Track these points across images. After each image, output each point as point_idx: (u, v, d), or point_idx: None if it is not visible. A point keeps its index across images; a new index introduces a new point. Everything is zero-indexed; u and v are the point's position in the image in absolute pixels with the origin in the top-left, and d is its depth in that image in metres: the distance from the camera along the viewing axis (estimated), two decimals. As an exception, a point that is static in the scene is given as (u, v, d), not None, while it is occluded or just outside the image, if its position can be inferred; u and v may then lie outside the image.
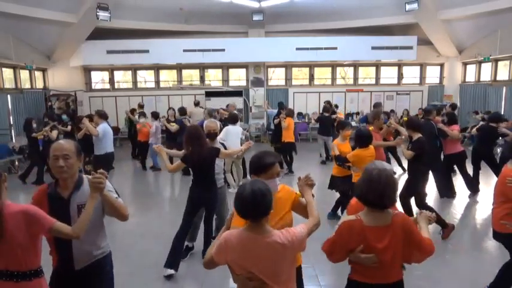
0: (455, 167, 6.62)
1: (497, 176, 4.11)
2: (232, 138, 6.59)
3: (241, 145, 7.04)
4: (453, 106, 9.18)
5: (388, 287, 2.13)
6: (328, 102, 10.24)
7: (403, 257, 2.13)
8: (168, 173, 7.64)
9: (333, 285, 3.74)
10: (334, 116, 9.43)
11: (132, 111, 10.58)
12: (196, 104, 11.19)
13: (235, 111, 8.24)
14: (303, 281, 2.36)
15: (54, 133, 7.63)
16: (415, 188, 4.71)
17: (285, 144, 8.37)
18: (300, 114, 13.38)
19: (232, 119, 6.99)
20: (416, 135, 4.72)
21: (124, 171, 9.39)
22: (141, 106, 11.01)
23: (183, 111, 9.15)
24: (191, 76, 14.67)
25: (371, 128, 5.38)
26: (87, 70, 13.67)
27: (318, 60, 13.08)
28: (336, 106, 10.98)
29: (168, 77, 14.48)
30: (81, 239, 2.01)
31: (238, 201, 1.79)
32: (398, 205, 2.95)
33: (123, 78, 14.48)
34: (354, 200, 2.48)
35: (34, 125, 7.85)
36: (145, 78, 14.39)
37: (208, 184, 4.00)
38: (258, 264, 1.81)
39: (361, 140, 4.50)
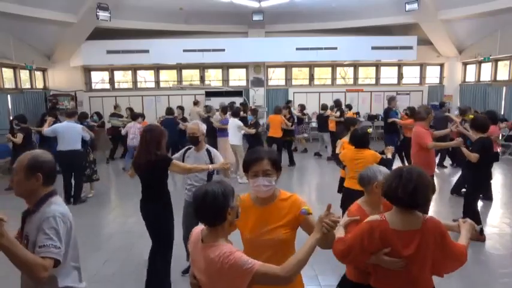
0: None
1: None
2: (230, 129, 7.88)
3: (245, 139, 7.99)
4: (441, 104, 9.22)
5: None
6: (337, 101, 10.34)
7: (433, 267, 1.93)
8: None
9: (334, 285, 3.73)
10: (326, 113, 10.00)
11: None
12: (195, 103, 11.30)
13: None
14: None
15: (19, 137, 7.22)
16: (477, 191, 4.64)
17: (267, 138, 9.25)
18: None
19: (232, 113, 8.16)
20: (478, 135, 4.60)
21: (120, 172, 9.33)
22: (115, 107, 11.14)
23: (170, 111, 9.21)
24: (191, 76, 14.67)
25: (421, 124, 5.05)
26: (87, 70, 13.66)
27: (318, 60, 13.07)
28: (348, 106, 10.95)
29: (168, 77, 14.48)
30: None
31: (192, 201, 1.69)
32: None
33: (123, 78, 14.48)
34: (354, 207, 2.34)
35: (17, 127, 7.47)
36: (145, 78, 14.39)
37: (152, 197, 3.42)
38: (196, 269, 1.76)
39: (355, 140, 4.21)
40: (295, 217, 1.88)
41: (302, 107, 11.29)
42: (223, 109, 8.74)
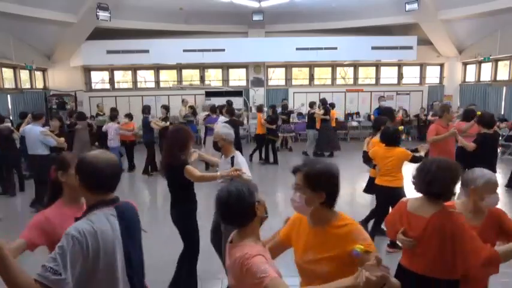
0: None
1: None
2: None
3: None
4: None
5: (428, 281, 2.02)
6: (323, 99, 10.54)
7: (443, 258, 1.97)
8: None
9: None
10: (312, 111, 10.35)
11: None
12: (182, 101, 11.77)
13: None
14: None
15: None
16: None
17: (255, 136, 9.91)
18: (300, 114, 13.37)
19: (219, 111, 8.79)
20: (483, 131, 4.75)
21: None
22: (97, 106, 11.32)
23: (144, 110, 8.95)
24: (191, 76, 14.67)
25: (438, 121, 5.08)
26: (87, 70, 13.66)
27: (318, 60, 13.07)
28: (332, 105, 11.01)
29: (168, 77, 14.48)
30: None
31: (216, 204, 1.63)
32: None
33: (123, 78, 14.48)
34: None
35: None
36: (145, 78, 14.39)
37: (175, 200, 3.37)
38: (228, 272, 1.72)
39: (384, 138, 4.26)
40: (346, 253, 1.56)
41: (283, 107, 11.34)
42: (212, 109, 8.83)
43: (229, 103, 9.70)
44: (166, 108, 8.89)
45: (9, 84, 10.97)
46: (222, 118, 8.28)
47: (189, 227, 3.35)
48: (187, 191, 3.34)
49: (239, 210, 1.57)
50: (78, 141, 9.11)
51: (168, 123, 8.48)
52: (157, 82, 14.14)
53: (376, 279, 1.29)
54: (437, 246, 1.97)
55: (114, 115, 8.88)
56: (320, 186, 1.64)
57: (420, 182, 2.06)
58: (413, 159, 4.22)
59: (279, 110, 10.99)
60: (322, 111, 10.02)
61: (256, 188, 1.66)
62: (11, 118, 9.38)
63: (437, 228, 1.96)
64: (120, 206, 1.72)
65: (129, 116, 9.03)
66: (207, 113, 9.52)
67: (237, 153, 3.50)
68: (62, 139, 6.30)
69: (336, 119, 13.20)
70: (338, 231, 1.62)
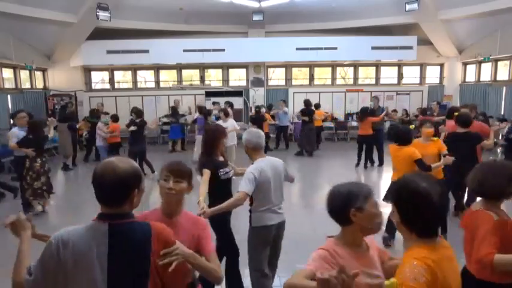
0: None
1: None
2: None
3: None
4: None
5: (475, 280, 2.06)
6: (306, 101, 10.67)
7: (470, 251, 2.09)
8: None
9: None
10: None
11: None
12: (175, 102, 12.06)
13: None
14: None
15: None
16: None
17: None
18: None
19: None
20: (458, 129, 4.79)
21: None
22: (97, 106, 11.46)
23: (115, 117, 8.81)
24: (191, 76, 14.67)
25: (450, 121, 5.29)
26: (87, 70, 13.66)
27: (318, 60, 13.07)
28: (316, 106, 11.09)
29: (168, 77, 14.48)
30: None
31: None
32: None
33: (123, 78, 14.48)
34: None
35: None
36: (145, 78, 14.39)
37: (209, 199, 3.28)
38: None
39: (395, 137, 4.37)
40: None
41: (268, 107, 11.38)
42: (200, 109, 8.84)
43: (217, 102, 9.74)
44: (137, 113, 8.24)
45: (9, 84, 10.97)
46: (231, 122, 8.13)
47: (222, 227, 3.29)
48: (219, 191, 3.21)
49: (333, 208, 1.59)
50: (60, 143, 9.35)
51: (134, 127, 7.95)
52: (157, 82, 14.15)
53: (322, 279, 1.17)
54: (468, 240, 2.11)
55: (97, 115, 9.13)
56: (396, 204, 1.52)
57: (469, 182, 2.16)
58: (418, 163, 4.13)
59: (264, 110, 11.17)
60: (299, 113, 10.23)
61: (365, 194, 1.55)
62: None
63: (468, 223, 2.12)
64: (118, 224, 1.47)
65: (113, 118, 8.75)
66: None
67: (258, 161, 3.10)
68: (13, 145, 5.82)
69: (336, 119, 13.31)
70: (400, 261, 1.49)
